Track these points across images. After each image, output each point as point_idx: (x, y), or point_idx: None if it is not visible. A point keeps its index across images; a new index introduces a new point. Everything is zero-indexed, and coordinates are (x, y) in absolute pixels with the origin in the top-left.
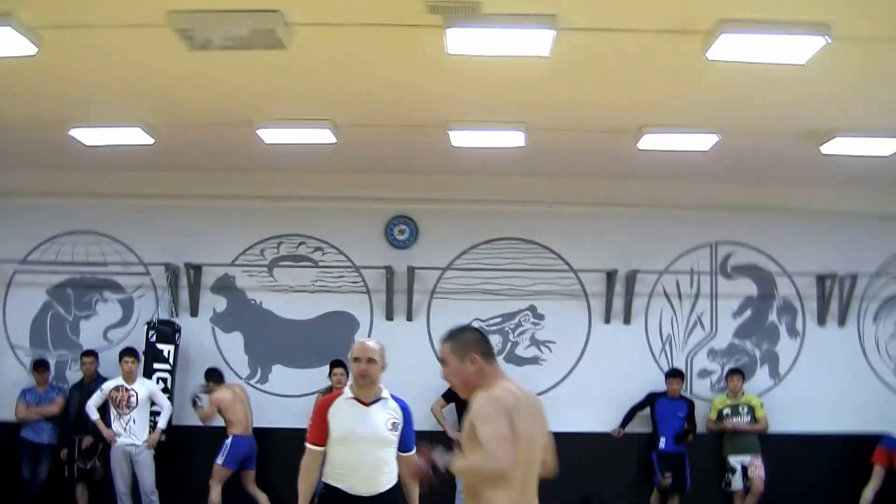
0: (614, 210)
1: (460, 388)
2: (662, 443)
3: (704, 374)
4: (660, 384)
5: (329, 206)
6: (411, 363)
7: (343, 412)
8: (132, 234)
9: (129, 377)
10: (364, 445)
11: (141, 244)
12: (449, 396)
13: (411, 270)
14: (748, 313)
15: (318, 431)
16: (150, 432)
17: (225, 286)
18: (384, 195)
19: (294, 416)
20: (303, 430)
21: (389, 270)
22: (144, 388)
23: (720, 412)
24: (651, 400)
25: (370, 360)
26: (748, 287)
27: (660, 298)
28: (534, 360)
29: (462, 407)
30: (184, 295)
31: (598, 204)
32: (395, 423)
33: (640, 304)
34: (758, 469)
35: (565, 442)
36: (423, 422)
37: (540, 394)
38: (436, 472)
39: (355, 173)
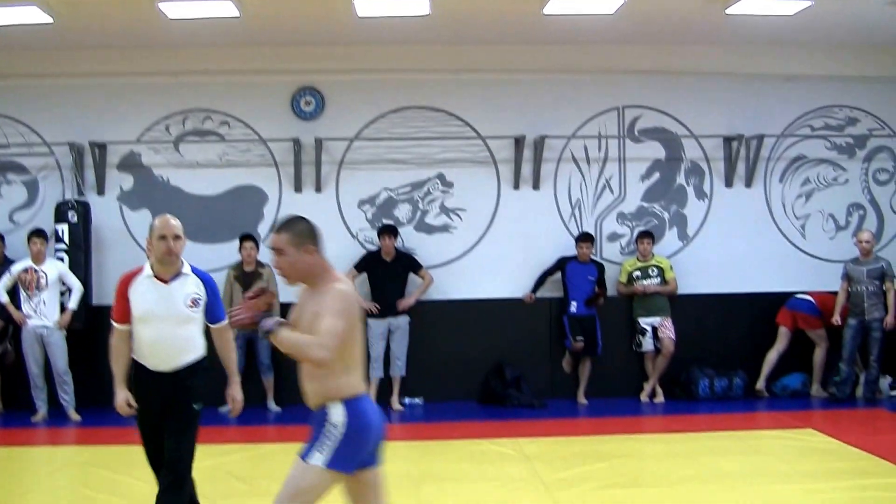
0: (521, 76)
1: (295, 277)
2: (574, 307)
3: (614, 237)
4: (570, 249)
5: (234, 80)
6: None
7: (142, 290)
8: (35, 115)
9: (38, 258)
10: (163, 324)
11: (44, 124)
12: (361, 266)
13: (319, 142)
14: (656, 176)
15: (120, 310)
16: (61, 313)
17: (131, 164)
18: (289, 67)
19: None
20: None
21: (297, 142)
22: (54, 269)
23: (630, 275)
24: (561, 264)
25: (176, 237)
26: (656, 150)
27: (568, 163)
28: (444, 228)
29: (375, 277)
30: (90, 174)
31: (504, 70)
32: (195, 299)
33: (548, 169)
34: (668, 330)
35: (478, 308)
36: None
37: (451, 261)
38: (256, 328)
39: (260, 46)
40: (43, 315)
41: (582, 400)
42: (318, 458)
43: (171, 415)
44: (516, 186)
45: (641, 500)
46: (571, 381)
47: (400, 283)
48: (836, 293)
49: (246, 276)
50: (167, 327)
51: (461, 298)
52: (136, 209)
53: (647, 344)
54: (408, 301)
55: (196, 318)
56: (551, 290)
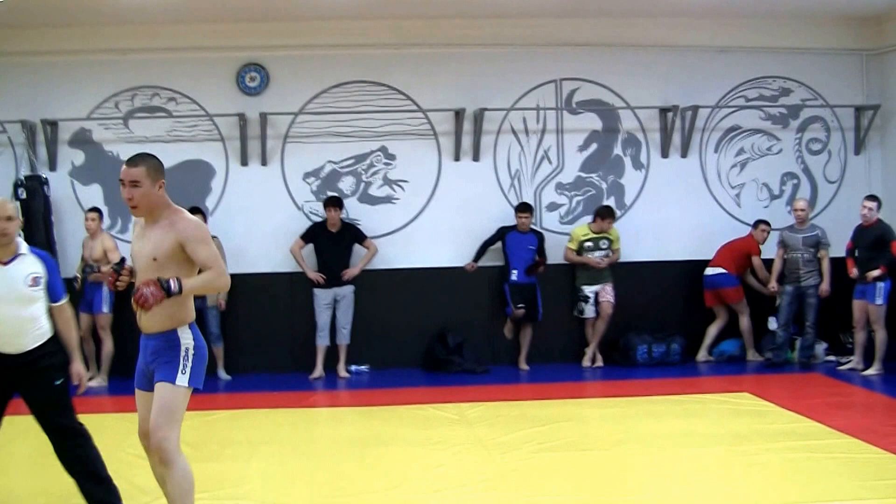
0: (461, 50)
1: (144, 209)
2: (514, 275)
3: (553, 207)
4: (510, 218)
5: (180, 57)
6: (267, 206)
7: None
8: None
9: None
10: (5, 305)
11: None
12: (307, 237)
13: (263, 116)
14: (594, 147)
15: None
16: None
17: (82, 140)
18: (234, 43)
19: None
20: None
21: (242, 117)
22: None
23: (581, 244)
24: (502, 234)
25: (9, 219)
26: (593, 122)
27: (507, 135)
28: (387, 199)
29: (321, 248)
30: (42, 151)
31: (444, 44)
32: (36, 277)
33: (488, 141)
34: (608, 295)
35: (421, 277)
36: (283, 263)
37: (394, 231)
38: (170, 294)
39: (205, 23)
40: None
41: (523, 366)
42: (183, 379)
43: (39, 397)
44: (457, 158)
45: (580, 463)
46: (513, 347)
47: (345, 254)
48: (743, 237)
49: None
50: (9, 308)
51: (405, 267)
52: (87, 184)
53: (590, 311)
54: (353, 271)
55: (39, 297)
56: (492, 259)
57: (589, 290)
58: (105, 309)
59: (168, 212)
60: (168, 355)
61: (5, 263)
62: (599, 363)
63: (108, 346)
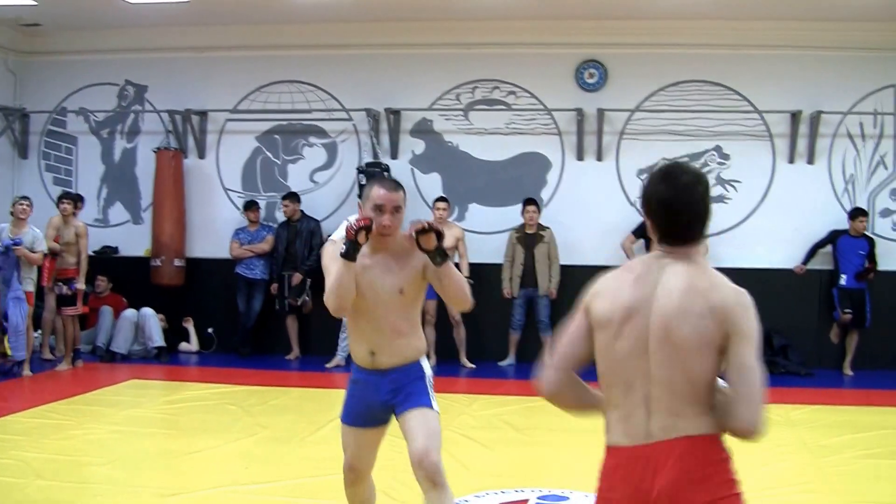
0: (799, 52)
1: (393, 235)
2: (843, 279)
3: (887, 213)
4: (842, 223)
5: (521, 52)
6: (600, 201)
7: None
8: (335, 83)
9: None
10: None
11: (343, 92)
12: (639, 233)
13: (601, 112)
14: None
15: None
16: None
17: (423, 129)
18: (574, 40)
19: (490, 251)
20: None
21: (580, 113)
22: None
23: None
24: (833, 238)
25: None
26: None
27: (843, 139)
28: (719, 199)
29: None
30: (384, 139)
31: (784, 46)
32: None
33: (823, 144)
34: None
35: (749, 277)
36: (614, 257)
37: (725, 231)
38: (439, 246)
39: (547, 19)
40: None
41: (848, 371)
42: (436, 405)
43: None
44: (791, 160)
45: None
46: (838, 351)
47: None
48: None
49: (528, 237)
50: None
51: (733, 267)
52: (427, 172)
53: None
54: None
55: None
56: (821, 263)
57: None
58: None
59: (402, 238)
60: (415, 383)
61: None
62: None
63: None
